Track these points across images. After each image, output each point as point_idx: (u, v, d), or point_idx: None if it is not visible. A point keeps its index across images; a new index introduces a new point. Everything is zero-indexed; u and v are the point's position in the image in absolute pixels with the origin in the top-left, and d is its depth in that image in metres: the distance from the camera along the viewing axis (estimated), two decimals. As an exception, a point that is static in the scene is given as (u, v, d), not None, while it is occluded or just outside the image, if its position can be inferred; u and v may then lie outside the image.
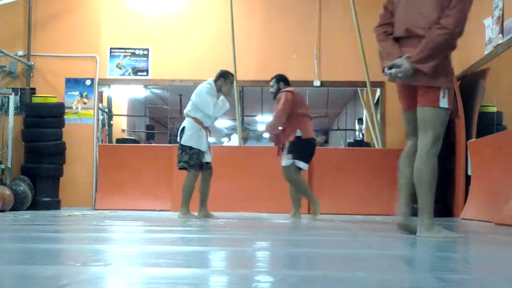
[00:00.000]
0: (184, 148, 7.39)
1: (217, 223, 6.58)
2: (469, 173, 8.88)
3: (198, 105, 7.42)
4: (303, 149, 7.25)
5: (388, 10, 4.46)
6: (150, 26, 11.14)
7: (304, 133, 7.30)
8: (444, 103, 4.19)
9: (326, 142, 19.49)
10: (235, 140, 11.29)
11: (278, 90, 7.47)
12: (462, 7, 4.18)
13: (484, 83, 9.10)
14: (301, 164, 7.25)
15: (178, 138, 7.55)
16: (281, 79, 7.57)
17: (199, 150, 7.40)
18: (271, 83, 7.60)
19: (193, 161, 7.37)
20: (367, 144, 11.97)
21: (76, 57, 10.97)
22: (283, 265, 2.94)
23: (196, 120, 7.42)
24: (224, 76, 7.55)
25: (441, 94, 4.18)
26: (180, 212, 7.47)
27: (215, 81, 7.55)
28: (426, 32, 4.18)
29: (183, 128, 7.47)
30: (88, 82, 10.96)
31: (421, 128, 4.25)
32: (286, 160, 7.21)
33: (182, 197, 7.50)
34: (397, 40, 4.35)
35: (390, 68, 4.24)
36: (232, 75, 7.72)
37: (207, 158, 7.52)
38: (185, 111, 7.61)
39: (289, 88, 7.53)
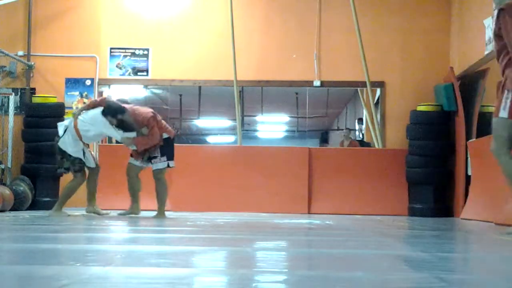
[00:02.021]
0: (63, 154, 7.36)
1: (218, 223, 6.57)
2: (469, 173, 8.87)
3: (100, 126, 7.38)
4: (172, 149, 7.49)
5: None
6: (150, 26, 11.13)
7: (169, 132, 7.47)
8: None
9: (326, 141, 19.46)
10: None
11: (122, 122, 7.31)
12: None
13: (484, 83, 9.10)
14: (172, 163, 7.49)
15: (60, 134, 7.37)
16: (121, 110, 7.30)
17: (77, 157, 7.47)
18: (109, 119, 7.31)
19: (77, 166, 7.44)
20: (367, 144, 11.96)
21: (76, 57, 10.96)
22: (283, 265, 2.94)
23: (78, 132, 7.33)
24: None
25: None
26: (53, 210, 7.54)
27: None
28: None
29: (66, 129, 7.36)
30: (88, 82, 10.96)
31: None
32: (162, 163, 7.38)
33: (60, 195, 7.70)
34: None
35: None
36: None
37: (91, 163, 7.54)
38: (77, 113, 7.53)
39: (146, 109, 7.47)
